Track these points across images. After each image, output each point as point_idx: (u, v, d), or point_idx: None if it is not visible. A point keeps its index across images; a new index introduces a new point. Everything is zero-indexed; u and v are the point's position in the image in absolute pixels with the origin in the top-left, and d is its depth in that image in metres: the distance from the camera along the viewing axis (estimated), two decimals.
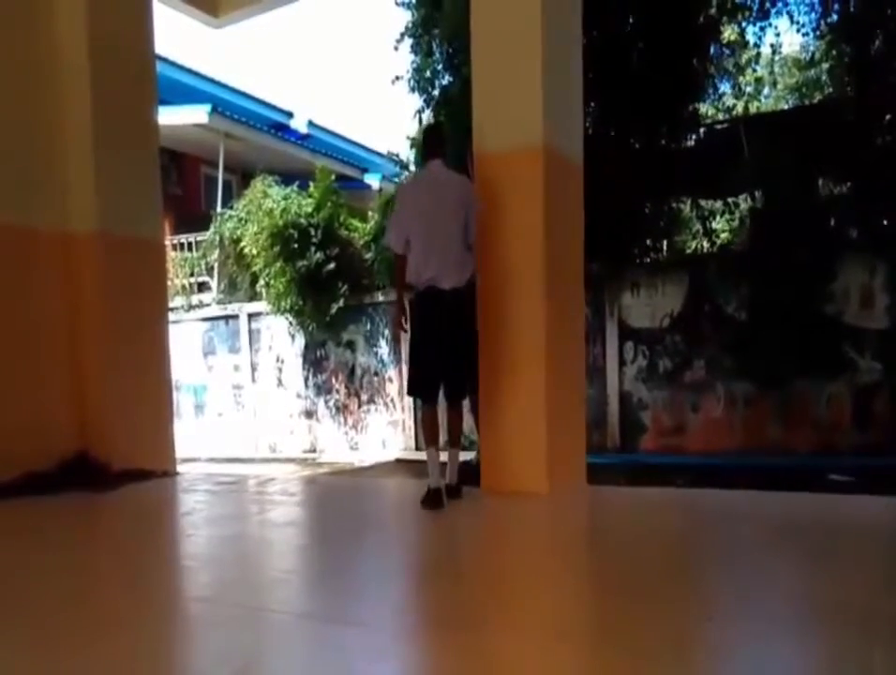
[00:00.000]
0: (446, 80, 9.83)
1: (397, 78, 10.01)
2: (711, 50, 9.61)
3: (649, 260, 9.48)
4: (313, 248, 10.79)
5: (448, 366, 3.82)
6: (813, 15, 9.95)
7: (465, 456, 4.25)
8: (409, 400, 10.62)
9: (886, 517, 3.36)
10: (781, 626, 1.96)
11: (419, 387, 3.94)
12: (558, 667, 1.77)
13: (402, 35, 9.97)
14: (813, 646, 1.89)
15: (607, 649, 1.85)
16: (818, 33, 10.24)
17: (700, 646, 1.89)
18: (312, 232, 10.90)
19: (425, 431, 3.93)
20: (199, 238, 12.81)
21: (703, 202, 9.97)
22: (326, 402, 11.64)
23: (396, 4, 9.99)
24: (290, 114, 17.36)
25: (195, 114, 13.07)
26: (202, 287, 12.87)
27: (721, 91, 10.62)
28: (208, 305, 12.59)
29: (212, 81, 15.72)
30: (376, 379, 11.19)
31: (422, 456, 4.25)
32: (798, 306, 8.11)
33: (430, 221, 3.69)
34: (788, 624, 2.00)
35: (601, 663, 1.77)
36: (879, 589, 2.25)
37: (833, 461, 7.44)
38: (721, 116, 10.93)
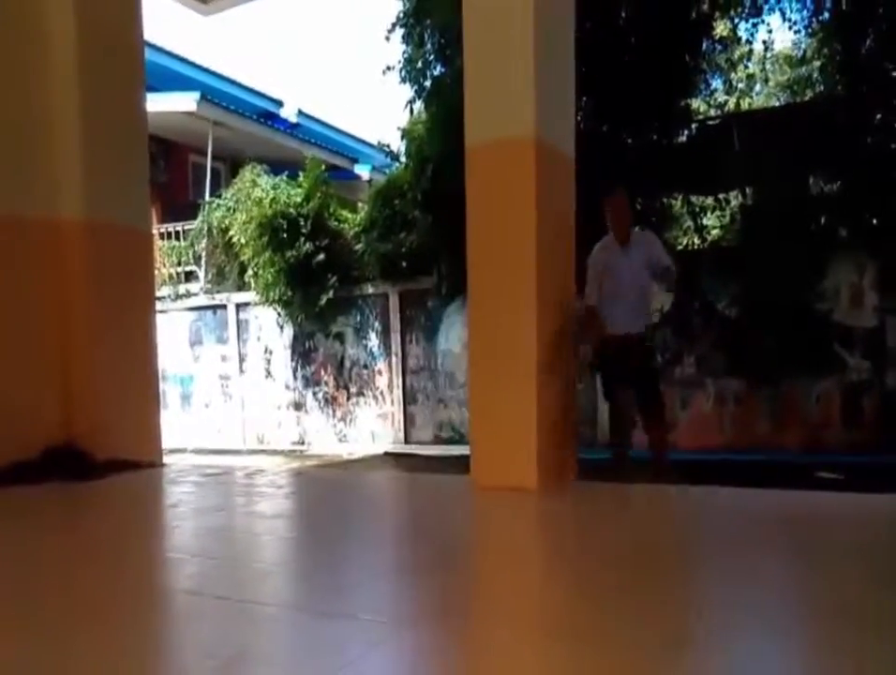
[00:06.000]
0: (438, 70, 9.79)
1: (389, 68, 9.96)
2: (704, 46, 9.61)
3: None
4: (302, 239, 10.73)
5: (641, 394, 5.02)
6: (805, 12, 10.00)
7: (463, 450, 4.22)
8: (398, 393, 10.71)
9: (874, 515, 3.37)
10: (771, 621, 1.95)
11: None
12: (549, 662, 1.75)
13: (394, 24, 9.91)
14: (802, 639, 1.89)
15: (597, 644, 1.83)
16: (810, 30, 10.27)
17: (691, 641, 1.88)
18: (301, 223, 10.84)
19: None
20: (186, 227, 12.71)
21: (694, 198, 9.99)
22: (315, 394, 11.59)
23: None
24: (279, 103, 17.25)
25: (184, 102, 12.95)
26: (190, 276, 12.77)
27: (713, 87, 10.66)
28: (195, 294, 12.50)
29: (201, 68, 15.58)
30: (365, 371, 11.16)
31: (410, 449, 4.22)
32: (788, 303, 8.15)
33: (621, 279, 4.79)
34: (778, 618, 1.99)
35: (590, 658, 1.75)
36: (868, 583, 2.26)
37: (822, 459, 7.48)
38: (712, 112, 10.95)
